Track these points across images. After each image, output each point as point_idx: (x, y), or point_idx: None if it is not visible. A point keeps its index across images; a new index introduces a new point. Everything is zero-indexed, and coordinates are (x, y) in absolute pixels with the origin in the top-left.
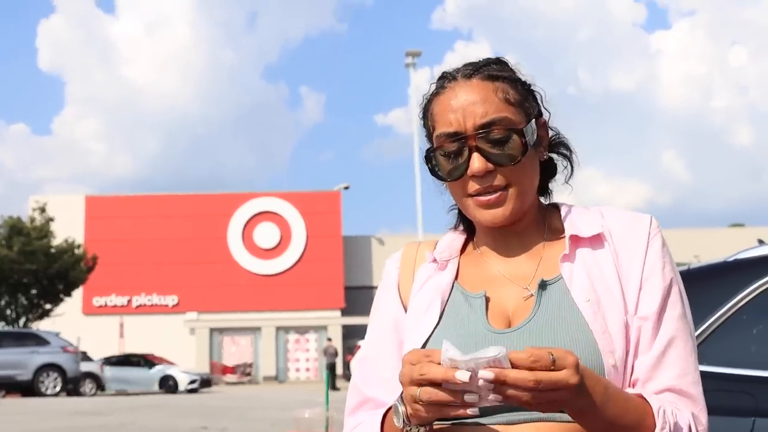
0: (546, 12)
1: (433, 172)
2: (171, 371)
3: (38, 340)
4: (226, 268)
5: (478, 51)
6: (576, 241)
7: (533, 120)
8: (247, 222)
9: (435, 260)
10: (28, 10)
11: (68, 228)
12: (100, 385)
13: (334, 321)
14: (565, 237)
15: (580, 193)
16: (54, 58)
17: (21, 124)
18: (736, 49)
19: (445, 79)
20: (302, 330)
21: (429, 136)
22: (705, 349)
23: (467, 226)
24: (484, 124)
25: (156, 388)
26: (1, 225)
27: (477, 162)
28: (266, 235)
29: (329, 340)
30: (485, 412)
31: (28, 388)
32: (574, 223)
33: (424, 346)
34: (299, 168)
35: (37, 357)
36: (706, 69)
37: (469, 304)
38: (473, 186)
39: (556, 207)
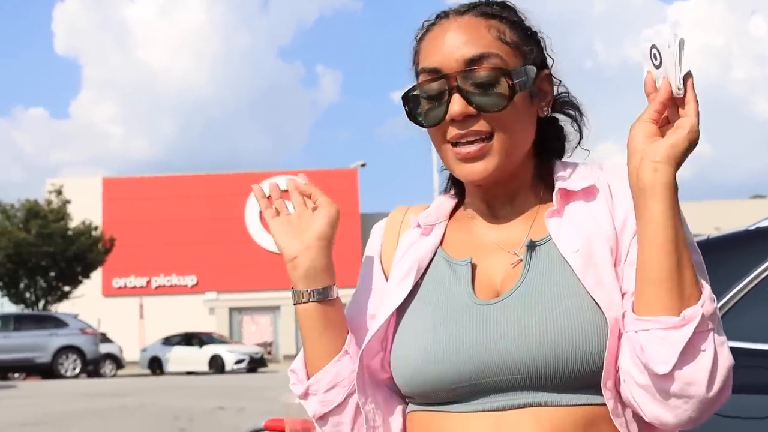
0: None
1: (411, 115)
2: (218, 350)
3: (57, 322)
4: (244, 248)
5: None
6: (566, 195)
7: (530, 66)
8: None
9: (419, 225)
10: None
11: (86, 210)
12: (119, 365)
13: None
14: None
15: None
16: (70, 41)
17: (39, 108)
18: (756, 18)
19: (438, 16)
20: None
21: (417, 77)
22: (726, 324)
23: (459, 189)
24: (468, 60)
25: (207, 368)
26: (18, 208)
27: (456, 104)
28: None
29: None
30: (473, 395)
31: (48, 371)
32: (564, 178)
33: (398, 317)
34: (316, 148)
35: (56, 339)
36: (725, 40)
37: (453, 272)
38: (452, 132)
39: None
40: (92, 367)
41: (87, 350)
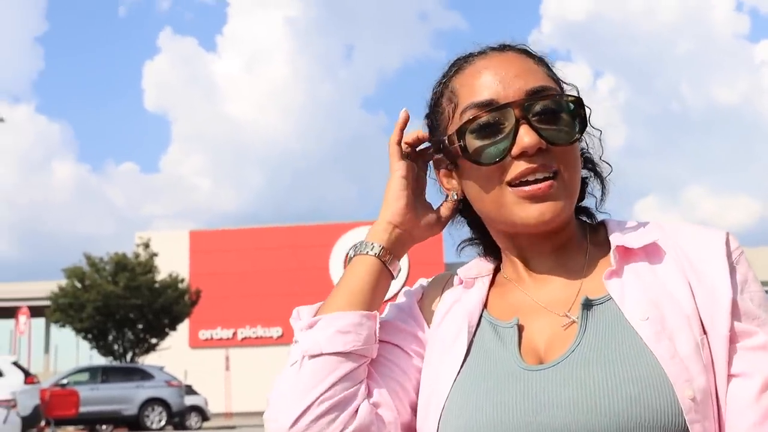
0: (643, 27)
1: (465, 154)
2: None
3: (143, 374)
4: None
5: (577, 71)
6: (625, 254)
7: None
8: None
9: (461, 281)
10: (134, 53)
11: (173, 263)
12: (205, 417)
13: None
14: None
15: (686, 212)
16: (159, 98)
17: (130, 163)
18: None
19: (470, 55)
20: None
21: (443, 128)
22: None
23: (493, 254)
24: (529, 91)
25: None
26: (107, 261)
27: (527, 136)
28: None
29: None
30: None
31: (134, 423)
32: (618, 234)
33: (452, 388)
34: None
35: (142, 391)
36: None
37: (498, 336)
38: (518, 168)
39: (600, 224)
40: (178, 419)
41: (172, 402)
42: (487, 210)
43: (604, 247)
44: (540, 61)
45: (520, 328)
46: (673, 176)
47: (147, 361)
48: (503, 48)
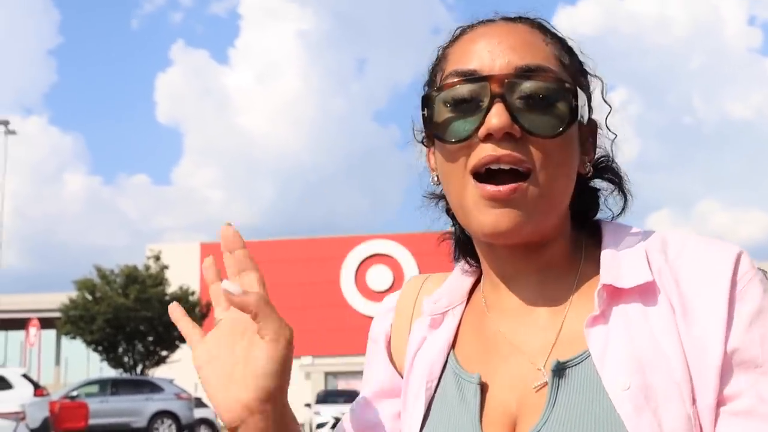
0: (655, 41)
1: (428, 123)
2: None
3: (152, 387)
4: (340, 312)
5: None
6: (614, 294)
7: (587, 103)
8: (360, 265)
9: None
10: (147, 65)
11: (184, 275)
12: (215, 430)
13: None
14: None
15: (698, 225)
16: (172, 110)
17: (142, 175)
18: None
19: (474, 24)
20: None
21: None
22: None
23: (475, 257)
24: (519, 67)
25: None
26: (117, 274)
27: (498, 116)
28: (379, 277)
29: None
30: None
31: None
32: (612, 265)
33: None
34: (411, 210)
35: (152, 404)
36: None
37: (460, 391)
38: (480, 152)
39: (597, 233)
40: (187, 431)
41: (182, 415)
42: (452, 201)
43: (598, 264)
44: (555, 40)
45: (484, 387)
46: (686, 190)
47: (157, 373)
48: (516, 19)
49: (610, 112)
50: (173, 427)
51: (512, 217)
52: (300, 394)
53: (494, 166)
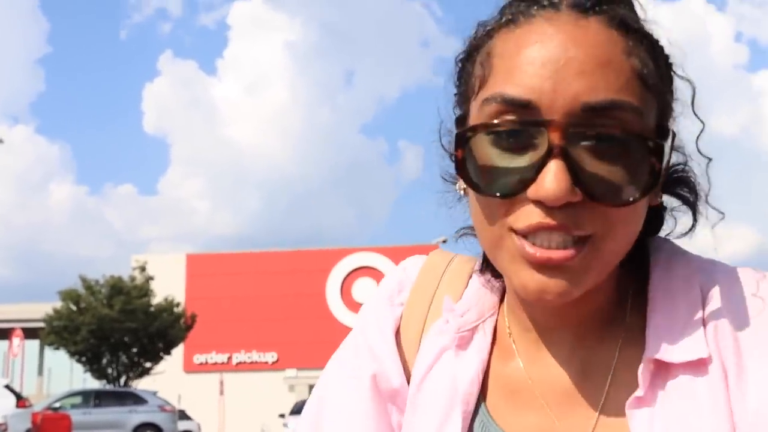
0: None
1: (462, 171)
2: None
3: (136, 399)
4: (325, 324)
5: None
6: (663, 367)
7: (670, 133)
8: (346, 277)
9: (457, 332)
10: (135, 75)
11: (170, 286)
12: None
13: None
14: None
15: (683, 242)
16: (159, 120)
17: (128, 185)
18: None
19: (534, 3)
20: None
21: (465, 98)
22: None
23: (498, 275)
24: (592, 105)
25: None
26: (102, 285)
27: (556, 181)
28: (365, 290)
29: None
30: None
31: None
32: (660, 332)
33: None
34: (399, 224)
35: (135, 416)
36: None
37: None
38: (527, 218)
39: (645, 273)
40: None
41: (165, 428)
42: (484, 244)
43: (644, 322)
44: (639, 40)
45: None
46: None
47: (141, 385)
48: (587, 9)
49: (702, 131)
50: None
51: (561, 285)
52: (283, 406)
53: (542, 240)
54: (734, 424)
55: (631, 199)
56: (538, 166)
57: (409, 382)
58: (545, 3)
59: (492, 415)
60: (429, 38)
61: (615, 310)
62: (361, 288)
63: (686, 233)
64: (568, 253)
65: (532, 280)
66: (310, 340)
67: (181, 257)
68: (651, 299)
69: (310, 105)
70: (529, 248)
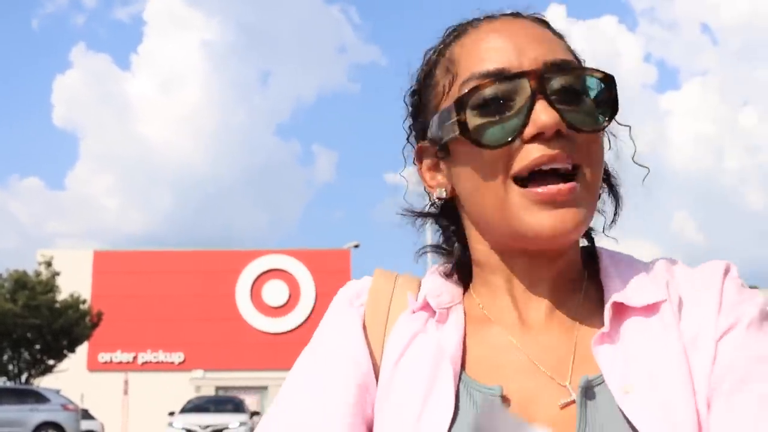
0: None
1: (465, 133)
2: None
3: (38, 397)
4: (233, 326)
5: None
6: (621, 311)
7: None
8: (256, 279)
9: (426, 307)
10: (45, 66)
11: (76, 283)
12: None
13: None
14: (605, 304)
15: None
16: (69, 114)
17: (34, 178)
18: (747, 110)
19: (474, 20)
20: None
21: (434, 105)
22: None
23: (463, 271)
24: (549, 62)
25: None
26: (5, 279)
27: (545, 112)
28: (275, 292)
29: None
30: None
31: None
32: (618, 283)
33: None
34: (310, 227)
35: (37, 415)
36: (717, 130)
37: (474, 404)
38: (530, 154)
39: (591, 254)
40: None
41: (67, 427)
42: (484, 212)
43: (595, 282)
44: (560, 36)
45: (505, 399)
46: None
47: (43, 383)
48: (516, 15)
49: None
50: None
51: (573, 217)
52: None
53: (546, 167)
54: (685, 346)
55: (604, 124)
56: (528, 109)
57: (376, 373)
58: (483, 17)
59: (474, 378)
60: (346, 44)
61: (578, 273)
62: (271, 290)
63: (613, 218)
64: (570, 185)
65: (548, 217)
66: (218, 342)
67: (88, 254)
68: (602, 262)
69: (225, 105)
70: (539, 189)
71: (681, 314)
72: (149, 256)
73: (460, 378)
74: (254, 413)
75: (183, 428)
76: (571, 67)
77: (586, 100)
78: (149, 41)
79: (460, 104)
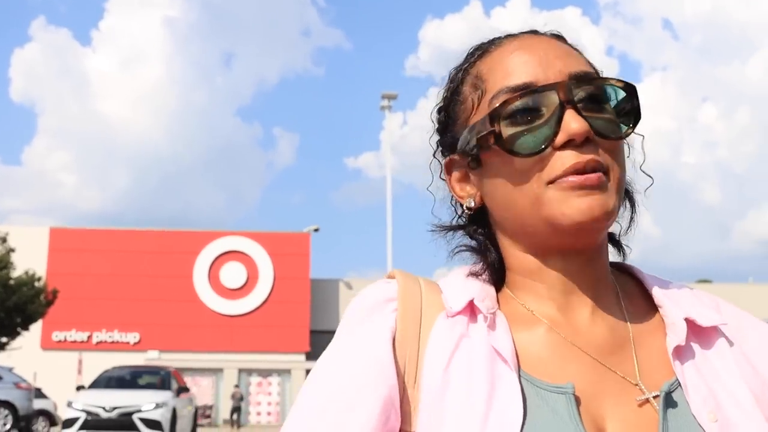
0: None
1: (499, 143)
2: None
3: None
4: (190, 307)
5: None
6: (693, 330)
7: None
8: (214, 261)
9: (465, 310)
10: (3, 39)
11: (31, 260)
12: (53, 422)
13: (298, 365)
14: (657, 312)
15: None
16: (27, 88)
17: None
18: (707, 106)
19: (495, 39)
20: (265, 373)
21: (464, 119)
22: None
23: (495, 273)
24: (575, 72)
25: None
26: None
27: (575, 121)
28: (233, 274)
29: (236, 386)
30: None
31: None
32: (679, 301)
33: None
34: (270, 209)
35: None
36: (677, 125)
37: (545, 403)
38: (563, 161)
39: (619, 266)
40: (24, 423)
41: (20, 406)
42: (520, 213)
43: (633, 298)
44: (577, 49)
45: (577, 398)
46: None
47: None
48: (534, 32)
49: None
50: (9, 417)
51: (604, 202)
52: None
53: (581, 168)
54: (750, 382)
55: (628, 131)
56: (557, 118)
57: (409, 382)
58: (503, 36)
59: (532, 375)
60: (311, 28)
61: (609, 276)
62: (229, 272)
63: (628, 227)
64: (599, 174)
65: (583, 202)
66: (174, 323)
67: (44, 231)
68: (645, 282)
69: (186, 84)
70: (572, 178)
71: (741, 345)
72: (106, 234)
73: (521, 378)
74: (182, 389)
75: (83, 410)
76: (594, 77)
77: (608, 108)
78: (111, 17)
79: (494, 116)
